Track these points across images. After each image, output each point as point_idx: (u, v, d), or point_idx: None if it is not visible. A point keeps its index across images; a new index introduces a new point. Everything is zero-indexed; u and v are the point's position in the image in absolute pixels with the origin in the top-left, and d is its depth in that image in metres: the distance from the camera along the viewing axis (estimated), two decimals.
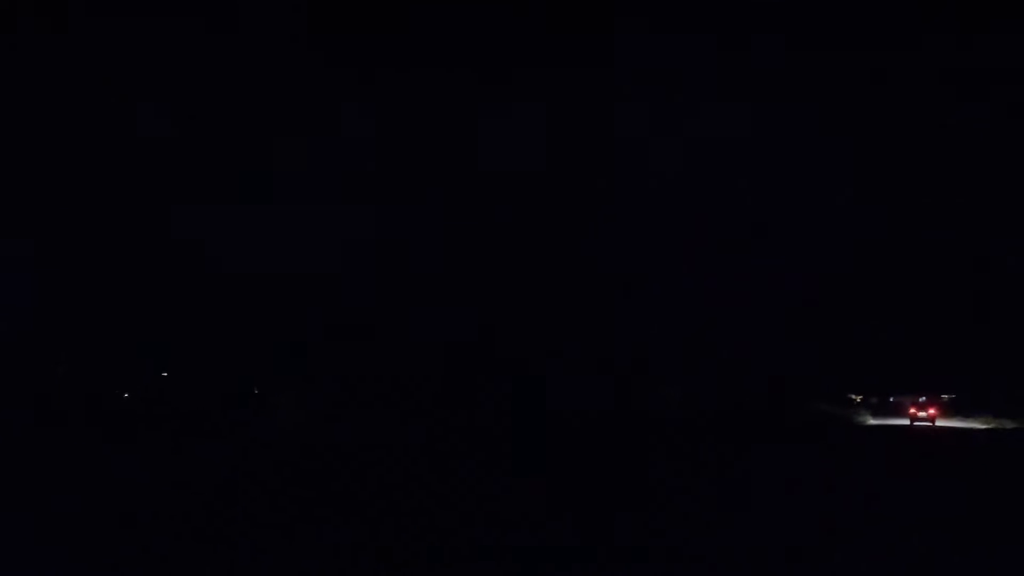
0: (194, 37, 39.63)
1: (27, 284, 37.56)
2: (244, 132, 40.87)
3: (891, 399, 65.50)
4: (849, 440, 34.88)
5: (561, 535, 12.32)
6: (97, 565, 10.44)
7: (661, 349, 44.53)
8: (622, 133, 43.67)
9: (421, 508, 15.03)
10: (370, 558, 10.92)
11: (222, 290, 42.52)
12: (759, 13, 43.51)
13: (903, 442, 35.11)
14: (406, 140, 43.00)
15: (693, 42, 42.70)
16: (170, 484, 17.35)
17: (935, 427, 50.01)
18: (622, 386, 42.07)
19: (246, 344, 42.85)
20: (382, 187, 42.69)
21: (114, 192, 40.09)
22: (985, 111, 45.68)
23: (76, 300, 39.83)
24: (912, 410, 55.53)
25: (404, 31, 43.05)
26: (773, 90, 44.26)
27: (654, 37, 42.73)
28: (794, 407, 47.60)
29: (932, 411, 54.86)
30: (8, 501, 15.12)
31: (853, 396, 65.67)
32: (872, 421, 57.15)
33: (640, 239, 44.53)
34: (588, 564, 10.72)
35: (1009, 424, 48.40)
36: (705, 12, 43.87)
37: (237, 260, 41.29)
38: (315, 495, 16.21)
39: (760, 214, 46.34)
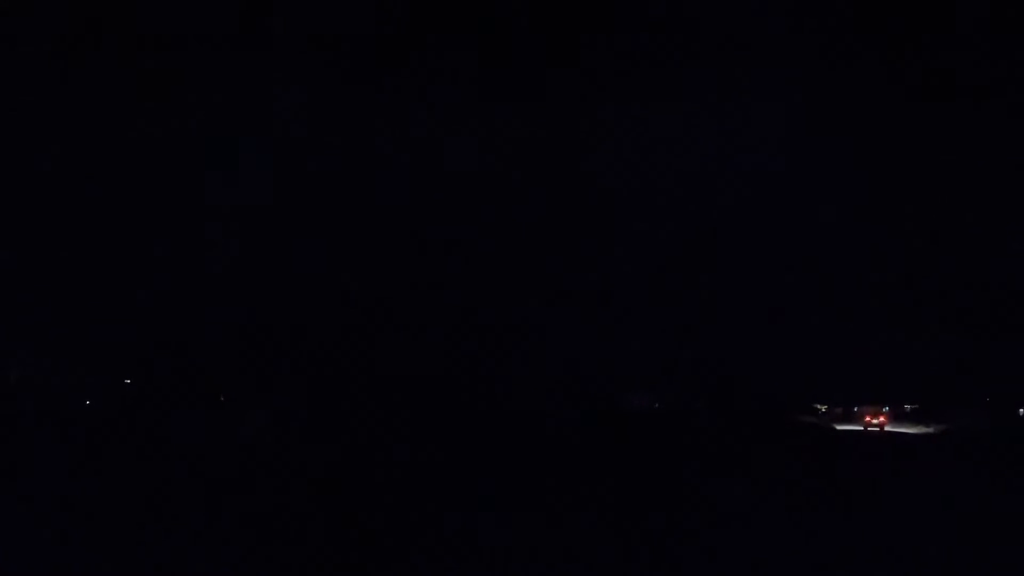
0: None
1: None
2: (209, 132, 40.66)
3: (855, 408, 70.02)
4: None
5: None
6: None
7: (635, 357, 44.97)
8: (599, 135, 43.76)
9: (394, 506, 14.98)
10: (342, 559, 10.86)
11: (189, 296, 42.22)
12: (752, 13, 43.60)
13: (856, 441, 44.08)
14: (388, 141, 42.92)
15: (686, 42, 42.80)
16: (137, 489, 17.14)
17: (882, 431, 58.12)
18: (593, 391, 42.51)
19: (212, 350, 42.51)
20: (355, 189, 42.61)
21: (71, 195, 39.74)
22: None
23: (32, 304, 39.37)
24: (867, 418, 63.79)
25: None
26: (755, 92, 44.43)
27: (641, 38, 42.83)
28: (772, 415, 49.22)
29: (882, 419, 63.71)
30: None
31: (818, 406, 69.17)
32: (837, 427, 60.97)
33: (621, 247, 44.78)
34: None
35: (935, 428, 55.77)
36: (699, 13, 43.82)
37: (204, 264, 41.03)
38: (284, 499, 16.09)
39: (737, 228, 46.70)
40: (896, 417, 67.18)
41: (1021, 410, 61.44)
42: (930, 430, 55.29)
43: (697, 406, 45.83)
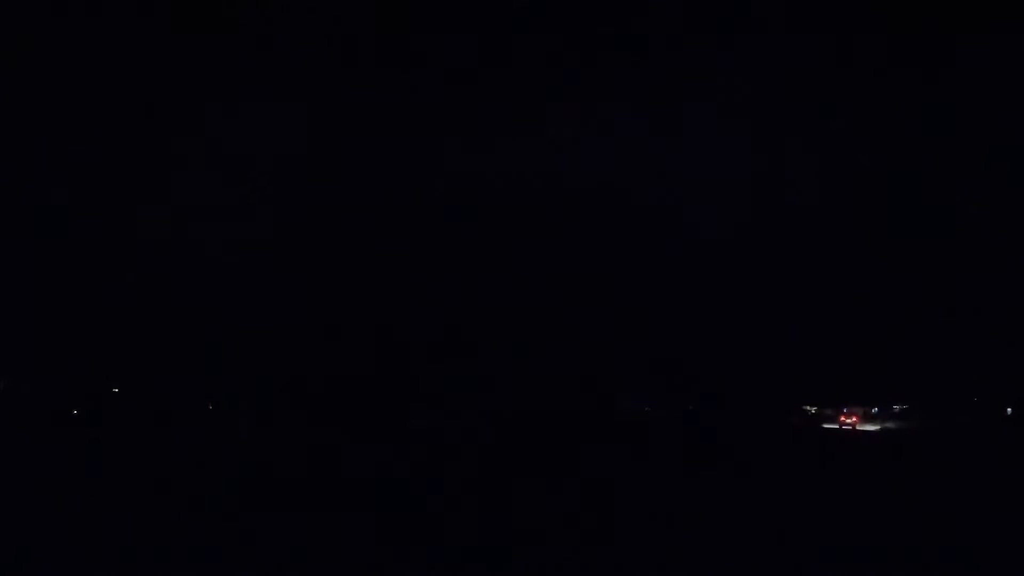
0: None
1: None
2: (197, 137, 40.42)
3: (844, 409, 72.91)
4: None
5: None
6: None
7: (626, 360, 44.96)
8: (595, 134, 43.61)
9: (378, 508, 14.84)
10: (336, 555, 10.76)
11: (173, 304, 41.95)
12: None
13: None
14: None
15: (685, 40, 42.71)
16: (133, 495, 16.99)
17: (854, 430, 65.33)
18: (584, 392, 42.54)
19: (201, 360, 42.24)
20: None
21: (51, 200, 39.43)
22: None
23: (16, 313, 39.05)
24: (841, 418, 69.10)
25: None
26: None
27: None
28: (761, 416, 49.96)
29: (855, 418, 69.11)
30: None
31: (808, 408, 71.06)
32: (825, 426, 66.19)
33: (609, 251, 44.73)
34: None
35: (891, 425, 63.85)
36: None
37: (191, 272, 40.77)
38: (276, 506, 15.97)
39: (729, 230, 46.65)
40: (886, 417, 71.01)
41: (1009, 409, 63.31)
42: (891, 427, 62.88)
43: (689, 408, 46.10)
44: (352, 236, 42.18)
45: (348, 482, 20.05)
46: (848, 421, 69.00)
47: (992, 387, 59.08)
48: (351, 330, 41.63)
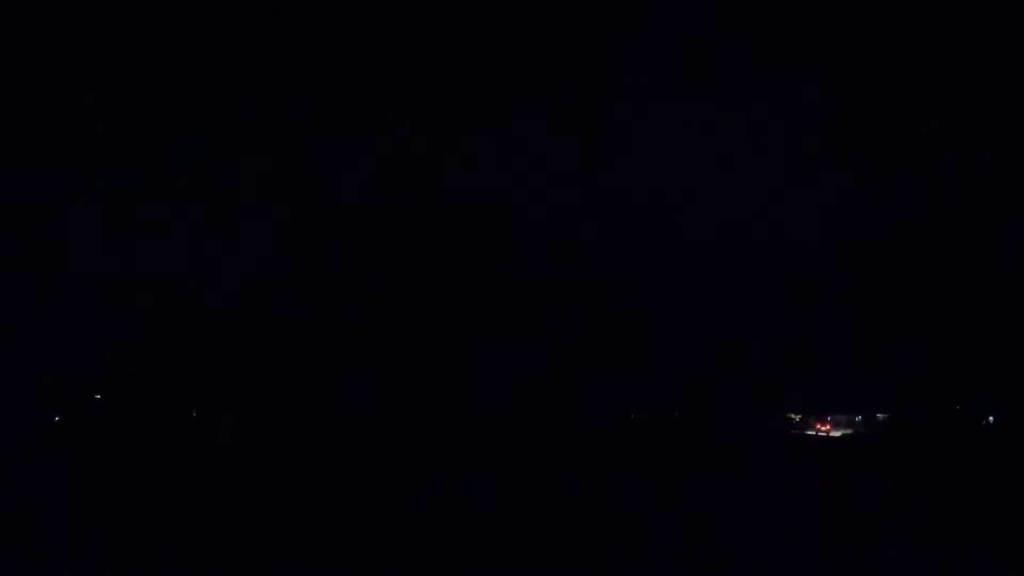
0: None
1: None
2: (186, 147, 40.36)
3: (828, 417, 74.96)
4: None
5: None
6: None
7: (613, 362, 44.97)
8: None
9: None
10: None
11: (159, 311, 41.85)
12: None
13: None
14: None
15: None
16: (119, 501, 16.97)
17: (828, 435, 69.16)
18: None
19: (184, 366, 42.09)
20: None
21: (34, 198, 39.30)
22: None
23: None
24: (817, 425, 72.73)
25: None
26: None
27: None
28: (746, 423, 50.29)
29: (828, 426, 73.00)
30: None
31: (792, 415, 72.34)
32: (807, 432, 69.20)
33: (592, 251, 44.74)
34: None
35: (859, 429, 68.14)
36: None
37: (179, 278, 40.67)
38: (259, 512, 15.93)
39: (718, 235, 46.77)
40: (870, 425, 73.66)
41: (991, 417, 64.20)
42: (850, 431, 68.04)
43: (676, 414, 46.18)
44: (343, 237, 42.20)
45: (342, 485, 20.02)
46: (822, 428, 72.53)
47: (974, 395, 59.72)
48: (339, 324, 41.63)
